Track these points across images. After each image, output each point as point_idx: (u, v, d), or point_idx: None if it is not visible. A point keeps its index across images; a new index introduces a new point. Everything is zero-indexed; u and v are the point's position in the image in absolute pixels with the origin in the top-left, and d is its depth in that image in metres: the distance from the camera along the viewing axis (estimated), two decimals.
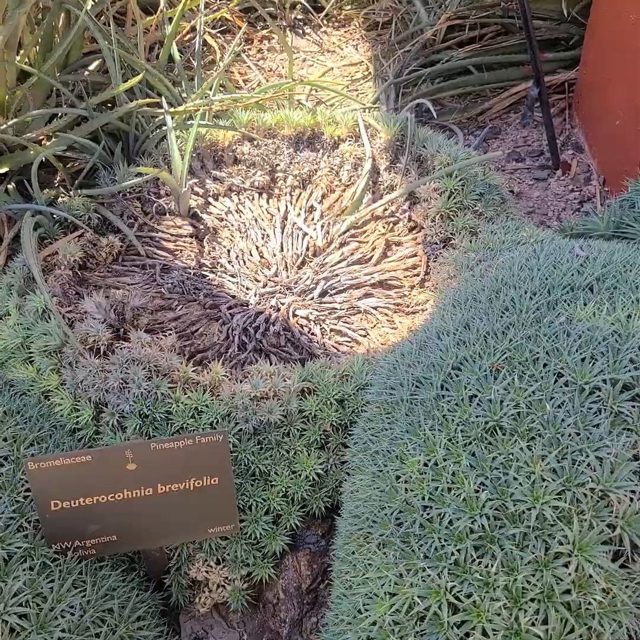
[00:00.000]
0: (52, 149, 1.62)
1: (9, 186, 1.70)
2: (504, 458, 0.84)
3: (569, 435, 0.82)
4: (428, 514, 0.86)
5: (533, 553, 0.75)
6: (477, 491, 0.83)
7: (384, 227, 1.56)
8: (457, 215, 1.44)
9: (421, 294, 1.42)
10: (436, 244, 1.45)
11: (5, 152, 1.71)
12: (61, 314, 1.25)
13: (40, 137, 1.74)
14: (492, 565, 0.77)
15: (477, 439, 0.88)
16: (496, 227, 1.40)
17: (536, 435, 0.84)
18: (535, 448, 0.82)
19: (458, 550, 0.81)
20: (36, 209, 1.51)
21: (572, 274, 1.07)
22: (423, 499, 0.87)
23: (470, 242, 1.38)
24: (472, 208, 1.45)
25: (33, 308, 1.29)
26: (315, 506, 1.13)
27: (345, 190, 1.65)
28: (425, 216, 1.48)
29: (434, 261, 1.44)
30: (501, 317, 1.03)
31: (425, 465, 0.90)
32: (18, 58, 1.73)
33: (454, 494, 0.85)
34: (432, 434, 0.92)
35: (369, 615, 0.87)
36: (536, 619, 0.73)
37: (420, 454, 0.91)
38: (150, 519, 0.98)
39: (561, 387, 0.87)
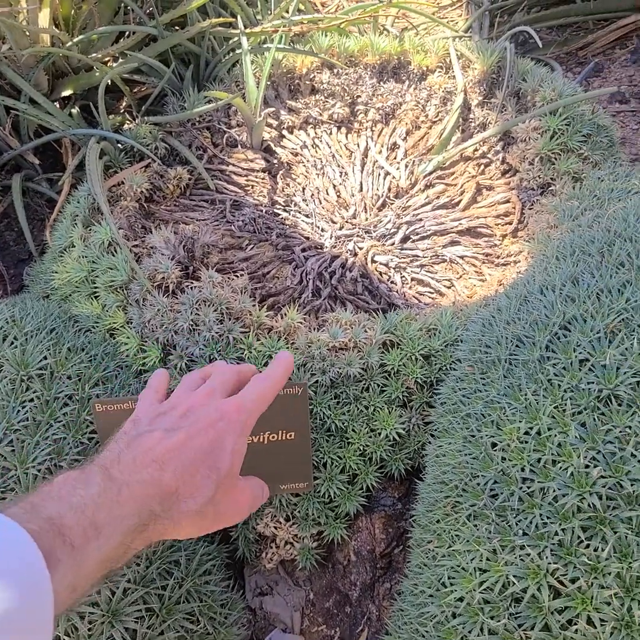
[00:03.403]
0: (121, 69, 1.52)
1: (73, 110, 1.62)
2: (620, 431, 0.74)
3: None
4: (528, 488, 0.77)
5: None
6: (588, 466, 0.74)
7: (474, 169, 1.42)
8: (560, 158, 1.29)
9: (514, 244, 1.29)
10: (533, 189, 1.31)
11: (69, 74, 1.62)
12: (128, 248, 1.18)
13: (106, 58, 1.64)
14: (602, 550, 0.69)
15: (588, 408, 0.78)
16: (603, 173, 1.25)
17: None
18: None
19: (563, 530, 0.72)
20: (102, 135, 1.42)
21: None
22: (523, 470, 0.79)
23: (574, 188, 1.24)
24: (577, 151, 1.29)
25: (98, 240, 1.22)
26: (394, 467, 1.05)
27: (432, 127, 1.50)
28: (522, 158, 1.33)
29: (530, 208, 1.30)
30: (616, 273, 0.91)
31: (527, 433, 0.81)
32: None
33: (560, 467, 0.76)
34: (535, 400, 0.82)
35: (455, 590, 0.80)
36: None
37: (520, 421, 0.82)
38: None
39: None
